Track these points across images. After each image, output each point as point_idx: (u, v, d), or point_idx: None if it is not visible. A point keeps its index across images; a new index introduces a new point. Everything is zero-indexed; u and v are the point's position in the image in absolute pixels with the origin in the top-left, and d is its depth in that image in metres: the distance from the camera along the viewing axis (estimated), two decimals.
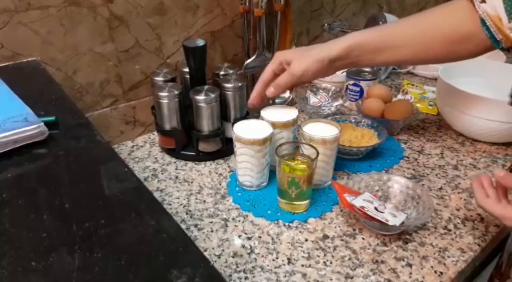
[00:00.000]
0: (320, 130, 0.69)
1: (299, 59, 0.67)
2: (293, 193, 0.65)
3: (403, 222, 0.60)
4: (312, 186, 0.66)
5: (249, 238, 0.62)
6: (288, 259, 0.59)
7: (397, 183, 0.68)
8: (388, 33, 0.66)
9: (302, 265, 0.58)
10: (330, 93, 0.95)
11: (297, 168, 0.65)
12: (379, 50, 0.65)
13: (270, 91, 0.69)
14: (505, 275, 0.70)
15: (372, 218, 0.59)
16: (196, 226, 0.65)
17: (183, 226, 0.64)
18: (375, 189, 0.68)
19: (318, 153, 0.64)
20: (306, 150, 0.67)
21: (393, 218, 0.60)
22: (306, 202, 0.67)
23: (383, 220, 0.59)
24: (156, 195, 0.71)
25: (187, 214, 0.67)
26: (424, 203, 0.63)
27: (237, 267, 0.57)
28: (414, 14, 0.67)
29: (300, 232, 0.64)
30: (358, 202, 0.61)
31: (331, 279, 0.56)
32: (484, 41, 0.60)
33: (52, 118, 0.55)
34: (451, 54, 0.65)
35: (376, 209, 0.60)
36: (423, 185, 0.74)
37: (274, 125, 0.70)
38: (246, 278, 0.56)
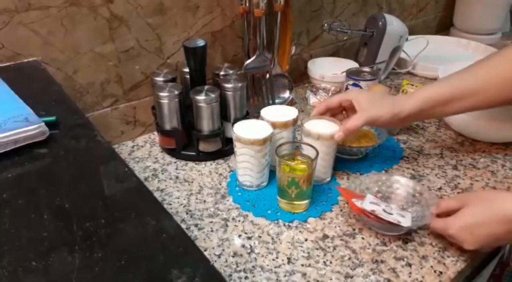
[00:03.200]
0: (322, 127, 0.70)
1: (374, 104, 0.68)
2: (293, 193, 0.65)
3: None
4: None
5: (249, 238, 0.62)
6: (288, 258, 0.59)
7: (397, 182, 0.68)
8: (454, 85, 0.68)
9: (302, 265, 0.58)
10: (330, 93, 0.95)
11: (297, 168, 0.65)
12: (448, 102, 0.67)
13: (338, 135, 0.68)
14: (505, 263, 0.72)
15: (384, 221, 0.59)
16: (196, 225, 0.65)
17: (183, 226, 0.64)
18: (375, 190, 0.68)
19: (318, 153, 0.64)
20: (306, 150, 0.67)
21: (403, 219, 0.60)
22: (306, 201, 0.67)
23: (395, 222, 0.59)
24: (156, 195, 0.71)
25: (187, 213, 0.67)
26: (427, 201, 0.63)
27: (237, 266, 0.58)
28: (474, 63, 0.69)
29: (300, 231, 0.64)
30: (367, 206, 0.61)
31: (331, 279, 0.56)
32: None
33: (52, 118, 0.55)
34: None
35: (384, 210, 0.60)
36: (423, 184, 0.74)
37: (274, 125, 0.70)
38: (246, 277, 0.56)
